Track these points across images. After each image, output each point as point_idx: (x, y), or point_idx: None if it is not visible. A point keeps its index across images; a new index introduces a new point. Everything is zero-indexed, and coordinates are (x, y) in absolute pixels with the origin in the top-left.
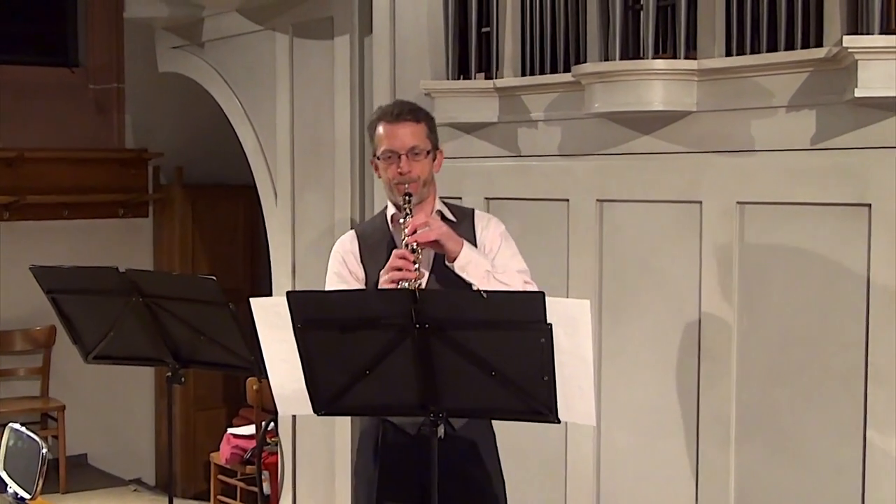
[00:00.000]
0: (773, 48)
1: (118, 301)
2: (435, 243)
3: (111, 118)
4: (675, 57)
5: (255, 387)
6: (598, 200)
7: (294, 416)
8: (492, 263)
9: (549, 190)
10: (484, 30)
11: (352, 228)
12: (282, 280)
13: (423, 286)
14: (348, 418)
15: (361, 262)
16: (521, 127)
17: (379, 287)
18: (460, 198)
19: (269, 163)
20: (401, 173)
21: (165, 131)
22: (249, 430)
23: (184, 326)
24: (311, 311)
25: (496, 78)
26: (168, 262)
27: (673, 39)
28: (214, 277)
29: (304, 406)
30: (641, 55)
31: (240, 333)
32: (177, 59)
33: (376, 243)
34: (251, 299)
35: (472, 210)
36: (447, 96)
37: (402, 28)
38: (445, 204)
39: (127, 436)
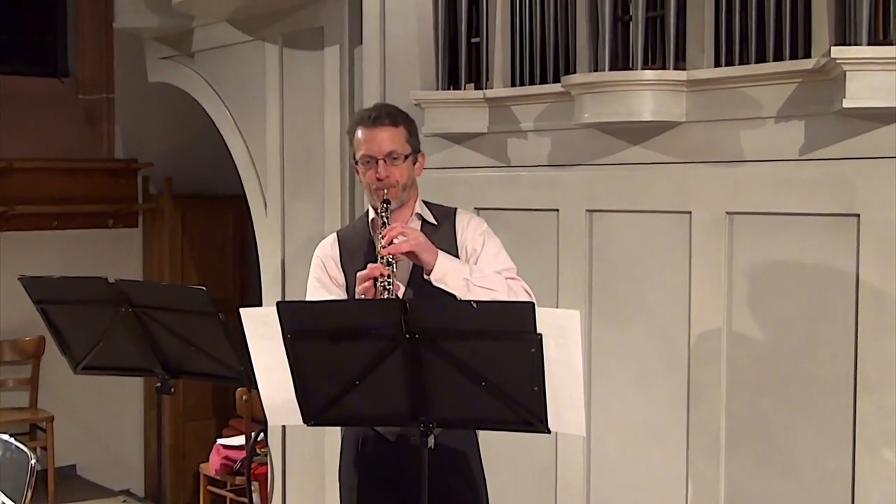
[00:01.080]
0: (761, 59)
1: (107, 311)
2: (410, 254)
3: (101, 128)
4: (664, 68)
5: (244, 397)
6: (587, 211)
7: (283, 427)
8: (472, 267)
9: (538, 200)
10: (474, 40)
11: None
12: (271, 290)
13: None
14: (338, 429)
15: (342, 266)
16: (511, 137)
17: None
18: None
19: (258, 172)
20: (378, 178)
21: (155, 141)
22: (239, 440)
23: (173, 337)
24: (300, 322)
25: (486, 88)
26: (158, 272)
27: (662, 50)
28: (204, 288)
29: (293, 416)
30: (631, 66)
31: (229, 344)
32: (166, 69)
33: (356, 247)
34: (241, 309)
35: (455, 210)
36: (437, 107)
37: (392, 38)
38: (428, 205)
39: (116, 447)
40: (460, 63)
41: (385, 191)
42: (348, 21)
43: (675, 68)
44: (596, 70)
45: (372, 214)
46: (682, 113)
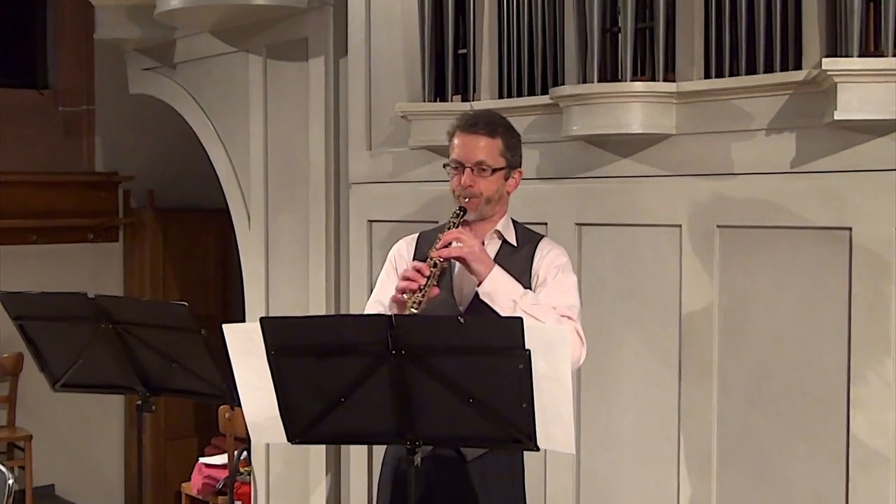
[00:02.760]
0: (752, 71)
1: (87, 328)
2: (462, 261)
3: (81, 141)
4: (653, 79)
5: (227, 415)
6: (576, 224)
7: (267, 445)
8: (528, 293)
9: (527, 213)
10: (460, 51)
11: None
12: (255, 305)
13: (420, 305)
14: (323, 447)
15: None
16: None
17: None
18: (436, 221)
19: (242, 186)
20: (462, 186)
21: (136, 154)
22: (222, 459)
23: (154, 353)
24: (284, 338)
25: (473, 100)
26: (139, 287)
27: (651, 62)
28: (186, 303)
29: (277, 434)
30: (620, 77)
31: (212, 360)
32: (148, 80)
33: (431, 247)
34: (224, 325)
35: (541, 237)
36: (423, 119)
37: (378, 50)
38: (515, 225)
39: (95, 466)
40: (447, 74)
41: (466, 200)
42: (333, 32)
43: (665, 80)
44: (584, 82)
45: None
46: (671, 125)
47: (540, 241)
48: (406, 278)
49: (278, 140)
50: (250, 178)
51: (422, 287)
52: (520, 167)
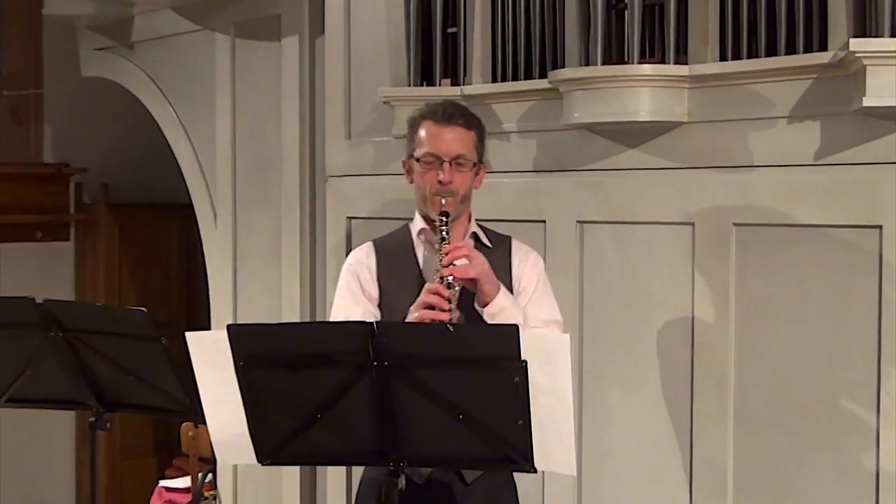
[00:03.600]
0: (772, 52)
1: (35, 336)
2: (471, 281)
3: (28, 129)
4: (663, 62)
5: (190, 433)
6: (577, 222)
7: (235, 467)
8: (527, 317)
9: (522, 210)
10: (450, 30)
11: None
12: (222, 312)
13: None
14: (297, 469)
15: (378, 280)
16: (492, 139)
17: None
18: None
19: (207, 179)
20: (441, 183)
21: (89, 144)
22: (184, 482)
23: (109, 365)
24: (254, 347)
25: (463, 84)
26: (92, 291)
27: (661, 42)
28: (145, 309)
29: (246, 454)
30: (626, 59)
31: (173, 372)
32: (103, 62)
33: (396, 260)
34: (187, 333)
35: (509, 238)
36: (408, 105)
37: (358, 28)
38: (480, 224)
39: (44, 489)
40: (435, 56)
41: (443, 200)
42: (308, 8)
43: (676, 62)
44: (587, 64)
45: (419, 225)
46: (683, 112)
47: (511, 242)
48: (429, 305)
49: (248, 128)
50: (216, 170)
51: (449, 312)
52: (485, 163)
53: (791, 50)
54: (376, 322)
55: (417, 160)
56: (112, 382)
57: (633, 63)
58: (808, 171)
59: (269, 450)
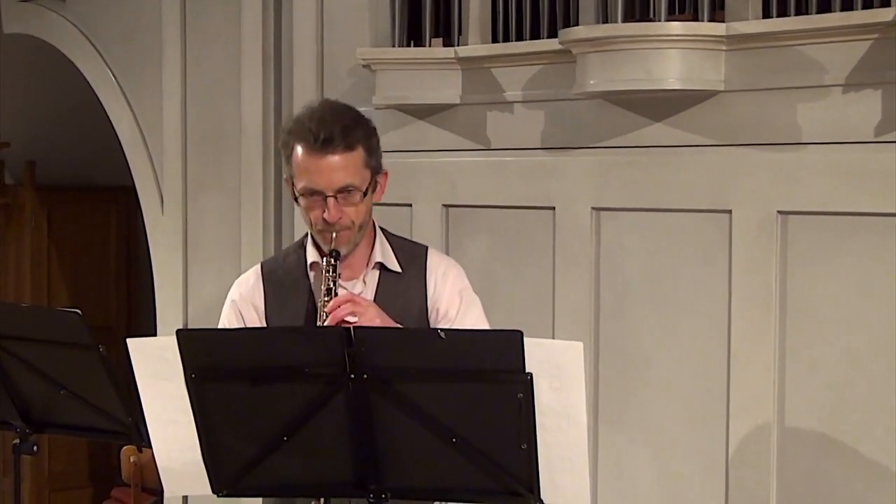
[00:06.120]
0: (825, 8)
1: None
2: None
3: None
4: (696, 19)
5: (132, 458)
6: (593, 209)
7: (185, 498)
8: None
9: (528, 195)
10: None
11: (258, 265)
12: (169, 314)
13: None
14: (258, 501)
15: (266, 317)
16: (492, 110)
17: None
18: (410, 205)
19: (152, 156)
20: (327, 220)
21: (12, 115)
22: None
23: (36, 377)
24: (209, 356)
25: (458, 45)
26: (15, 288)
27: None
28: (78, 311)
29: (198, 484)
30: (652, 16)
31: (112, 386)
32: (28, 16)
33: (287, 292)
34: (128, 340)
35: (425, 250)
36: (392, 69)
37: None
38: (389, 239)
39: None
40: (424, 10)
41: (334, 234)
42: None
43: (712, 20)
44: (605, 21)
45: (312, 254)
46: (719, 80)
47: (426, 257)
48: None
49: (201, 95)
50: (163, 145)
51: None
52: (383, 170)
53: (848, 5)
54: (354, 327)
55: (296, 192)
56: (40, 398)
57: (659, 20)
58: (866, 149)
59: (226, 479)
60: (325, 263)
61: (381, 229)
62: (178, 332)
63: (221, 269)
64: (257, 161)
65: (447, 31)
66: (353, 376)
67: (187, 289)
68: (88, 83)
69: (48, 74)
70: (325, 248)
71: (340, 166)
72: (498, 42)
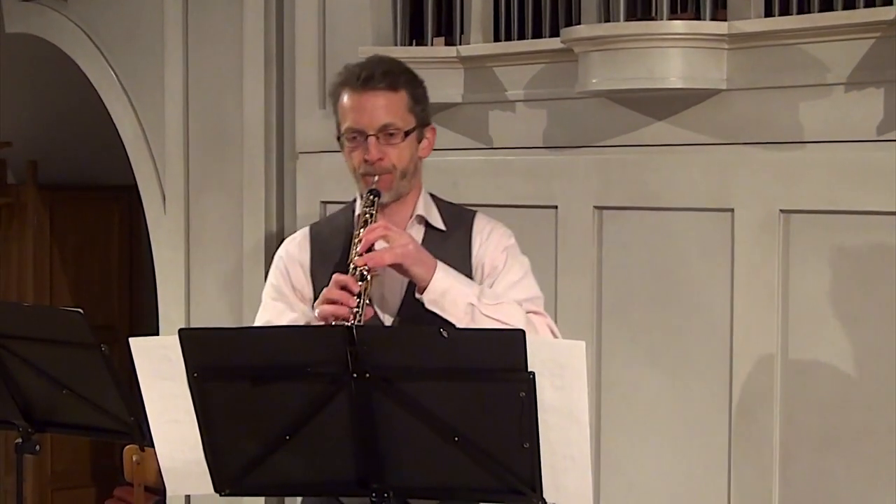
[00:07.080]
0: (827, 7)
1: None
2: (397, 267)
3: None
4: (698, 17)
5: (134, 458)
6: (595, 208)
7: (188, 498)
8: (484, 290)
9: (529, 194)
10: None
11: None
12: (172, 313)
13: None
14: (260, 500)
15: (311, 275)
16: (494, 109)
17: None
18: None
19: (154, 156)
20: (368, 161)
21: (15, 114)
22: None
23: (39, 376)
24: (211, 356)
25: (460, 44)
26: (18, 288)
27: None
28: (81, 310)
29: (201, 483)
30: (654, 15)
31: (115, 385)
32: (30, 16)
33: (334, 251)
34: (130, 339)
35: (473, 214)
36: None
37: None
38: (436, 202)
39: None
40: (426, 10)
41: (376, 178)
42: None
43: (714, 19)
44: (607, 20)
45: (359, 210)
46: (721, 78)
47: (474, 219)
48: (331, 300)
49: (203, 95)
50: (165, 144)
51: (354, 310)
52: (431, 124)
53: (850, 4)
54: (356, 326)
55: (340, 137)
56: (42, 397)
57: (661, 19)
58: (868, 148)
59: (229, 478)
60: (365, 202)
61: (430, 193)
62: (181, 331)
63: (223, 269)
64: (259, 160)
65: (449, 30)
66: (355, 375)
67: (189, 288)
68: (90, 82)
69: (50, 74)
70: (364, 194)
71: (382, 104)
72: (500, 41)
